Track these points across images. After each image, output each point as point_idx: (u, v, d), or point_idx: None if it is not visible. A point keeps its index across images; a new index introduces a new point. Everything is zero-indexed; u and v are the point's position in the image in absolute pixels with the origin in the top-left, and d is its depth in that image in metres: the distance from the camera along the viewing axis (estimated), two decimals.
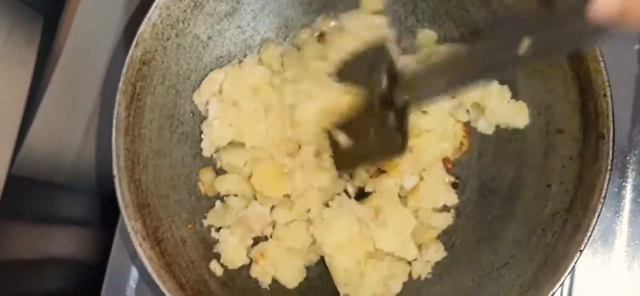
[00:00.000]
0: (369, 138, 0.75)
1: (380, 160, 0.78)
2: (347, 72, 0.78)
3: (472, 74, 0.62)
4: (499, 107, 0.76)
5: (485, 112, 0.77)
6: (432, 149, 0.78)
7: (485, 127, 0.79)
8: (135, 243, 0.69)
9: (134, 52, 0.72)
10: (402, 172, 0.78)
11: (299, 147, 0.79)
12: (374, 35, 0.76)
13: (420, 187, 0.76)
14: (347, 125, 0.75)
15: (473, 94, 0.77)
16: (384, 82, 0.72)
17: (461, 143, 0.81)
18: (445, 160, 0.80)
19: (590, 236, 0.64)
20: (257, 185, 0.76)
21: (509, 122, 0.76)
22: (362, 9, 0.79)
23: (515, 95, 0.76)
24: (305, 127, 0.77)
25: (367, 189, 0.79)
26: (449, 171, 0.81)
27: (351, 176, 0.80)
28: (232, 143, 0.79)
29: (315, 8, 0.83)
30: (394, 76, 0.73)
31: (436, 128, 0.78)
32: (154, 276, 0.68)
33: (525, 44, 0.53)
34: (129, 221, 0.70)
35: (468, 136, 0.81)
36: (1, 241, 0.80)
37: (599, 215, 0.64)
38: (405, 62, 0.76)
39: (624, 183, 0.82)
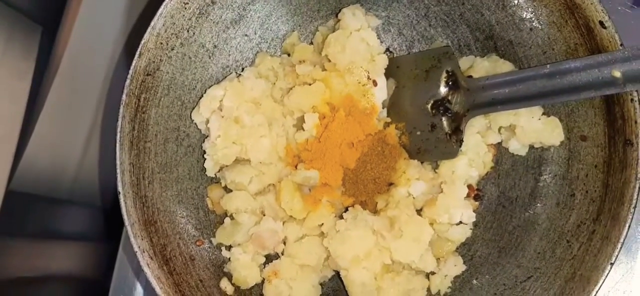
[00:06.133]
0: (416, 137, 0.74)
1: (432, 160, 0.76)
2: (395, 71, 0.76)
3: (566, 87, 0.63)
4: (529, 125, 0.71)
5: (517, 132, 0.73)
6: (459, 172, 0.75)
7: (518, 147, 0.74)
8: (143, 263, 0.66)
9: (138, 63, 0.69)
10: (410, 178, 0.75)
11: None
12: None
13: (438, 199, 0.73)
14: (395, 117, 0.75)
15: (502, 116, 0.73)
16: (443, 87, 0.71)
17: (487, 173, 0.78)
18: (469, 187, 0.76)
19: (620, 248, 0.62)
20: (287, 208, 0.73)
21: (543, 140, 0.72)
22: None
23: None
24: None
25: (379, 206, 0.76)
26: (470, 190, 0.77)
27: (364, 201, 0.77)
28: (236, 161, 0.75)
29: (324, 14, 0.80)
30: (455, 82, 0.71)
31: (468, 153, 0.75)
32: None
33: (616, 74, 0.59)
34: (136, 239, 0.67)
35: (495, 164, 0.77)
36: (0, 259, 0.77)
37: (629, 226, 0.62)
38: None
39: None
